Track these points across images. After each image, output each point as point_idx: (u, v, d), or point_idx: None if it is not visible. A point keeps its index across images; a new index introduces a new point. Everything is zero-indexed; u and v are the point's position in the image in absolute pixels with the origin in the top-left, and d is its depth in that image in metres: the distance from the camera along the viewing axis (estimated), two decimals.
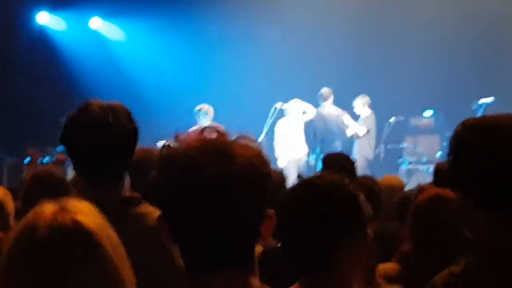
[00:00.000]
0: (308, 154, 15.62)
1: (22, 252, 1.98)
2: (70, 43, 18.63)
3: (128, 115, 3.30)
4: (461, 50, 17.00)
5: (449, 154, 2.63)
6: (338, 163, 6.24)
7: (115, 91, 15.37)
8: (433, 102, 17.20)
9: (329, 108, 15.35)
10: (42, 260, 1.96)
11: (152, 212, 3.18)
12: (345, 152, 8.14)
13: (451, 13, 17.05)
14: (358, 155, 15.32)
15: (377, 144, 16.22)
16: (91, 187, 3.27)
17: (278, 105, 15.56)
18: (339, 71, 16.99)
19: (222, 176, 1.93)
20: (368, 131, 15.70)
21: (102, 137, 3.20)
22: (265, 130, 15.35)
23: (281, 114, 15.67)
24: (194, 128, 14.63)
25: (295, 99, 15.53)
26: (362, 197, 2.79)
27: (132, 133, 3.30)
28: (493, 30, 16.95)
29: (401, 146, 16.96)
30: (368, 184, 5.61)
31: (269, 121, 15.51)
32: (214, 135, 2.04)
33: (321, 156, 14.59)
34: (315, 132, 15.16)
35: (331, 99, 15.50)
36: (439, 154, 16.63)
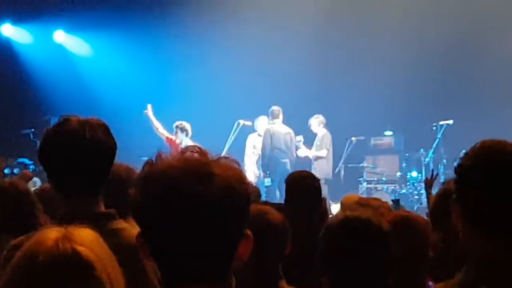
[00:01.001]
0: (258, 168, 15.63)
1: (21, 277, 2.02)
2: (34, 55, 18.49)
3: (106, 130, 3.29)
4: (422, 72, 17.20)
5: (458, 179, 2.67)
6: (302, 183, 6.14)
7: (77, 105, 15.40)
8: (393, 122, 17.43)
9: (278, 126, 15.29)
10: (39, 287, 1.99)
11: (127, 228, 3.21)
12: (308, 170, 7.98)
13: (413, 37, 17.24)
14: (317, 175, 15.24)
15: (337, 163, 16.28)
16: (66, 200, 3.27)
17: (241, 121, 15.60)
18: (302, 89, 17.12)
19: (202, 196, 1.94)
20: (327, 151, 15.67)
21: (78, 152, 3.19)
22: (227, 146, 15.38)
23: (243, 130, 15.68)
24: (172, 137, 14.45)
25: (263, 116, 15.56)
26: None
27: (109, 149, 3.29)
28: (453, 54, 17.15)
29: (361, 165, 17.14)
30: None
31: (232, 137, 15.52)
32: (195, 155, 2.05)
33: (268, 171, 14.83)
34: (264, 148, 15.13)
35: (281, 117, 15.40)
36: (398, 174, 16.85)
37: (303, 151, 15.66)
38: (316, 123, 15.72)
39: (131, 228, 3.15)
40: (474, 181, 2.56)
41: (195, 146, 2.10)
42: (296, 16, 17.72)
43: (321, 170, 14.74)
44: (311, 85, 17.43)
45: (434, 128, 15.73)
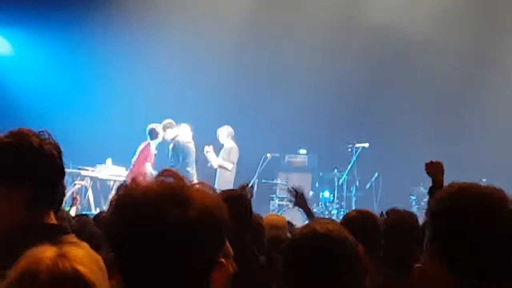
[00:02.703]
0: None
1: None
2: None
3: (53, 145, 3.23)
4: (340, 94, 17.39)
5: (435, 215, 2.63)
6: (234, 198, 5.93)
7: None
8: (309, 141, 17.54)
9: (183, 136, 15.25)
10: None
11: (77, 243, 3.16)
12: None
13: (331, 58, 17.39)
14: (223, 185, 15.32)
15: (250, 178, 16.29)
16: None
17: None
18: (221, 101, 17.11)
19: (179, 220, 1.94)
20: (233, 165, 15.70)
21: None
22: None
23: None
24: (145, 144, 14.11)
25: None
26: None
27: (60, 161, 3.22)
28: (370, 77, 17.42)
29: (274, 181, 17.18)
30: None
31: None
32: (171, 179, 2.04)
33: None
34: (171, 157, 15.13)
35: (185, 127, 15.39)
36: (310, 193, 16.94)
37: (212, 156, 15.63)
38: (225, 134, 15.72)
39: (81, 243, 3.10)
40: (452, 225, 2.55)
41: (169, 170, 2.08)
42: (219, 28, 17.69)
43: (227, 182, 14.79)
44: (231, 98, 17.41)
45: (350, 149, 15.91)
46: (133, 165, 15.22)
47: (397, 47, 17.22)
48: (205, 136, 15.41)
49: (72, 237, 3.22)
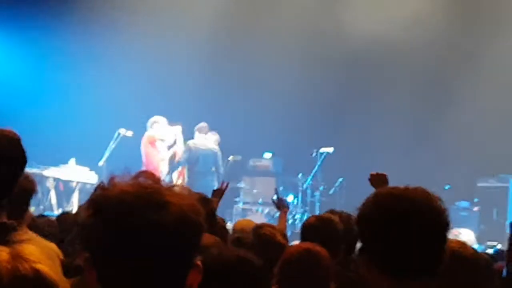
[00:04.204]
0: None
1: None
2: None
3: (12, 142, 3.20)
4: (306, 98, 17.46)
5: (360, 221, 2.74)
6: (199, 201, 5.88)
7: None
8: (274, 145, 17.56)
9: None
10: None
11: (33, 238, 3.14)
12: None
13: (299, 64, 17.46)
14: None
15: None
16: None
17: (122, 131, 15.40)
18: (187, 103, 17.06)
19: (156, 224, 1.92)
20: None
21: None
22: (106, 155, 15.17)
23: (124, 140, 15.45)
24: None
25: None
26: None
27: (13, 160, 3.20)
28: (335, 84, 17.51)
29: (238, 185, 17.16)
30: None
31: (112, 145, 15.31)
32: (148, 181, 2.02)
33: None
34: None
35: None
36: (275, 197, 16.94)
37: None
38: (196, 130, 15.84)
39: (36, 238, 3.07)
40: (379, 230, 2.66)
41: (147, 172, 2.09)
42: (189, 28, 17.63)
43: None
44: (198, 99, 17.39)
45: (314, 154, 15.95)
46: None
47: (364, 54, 17.28)
48: None
49: (21, 234, 3.21)
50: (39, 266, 2.00)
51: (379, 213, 2.65)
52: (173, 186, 2.05)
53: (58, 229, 5.91)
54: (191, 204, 2.02)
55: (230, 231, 6.71)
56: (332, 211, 6.20)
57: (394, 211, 2.62)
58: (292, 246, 4.83)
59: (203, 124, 15.78)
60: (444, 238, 2.67)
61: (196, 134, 15.74)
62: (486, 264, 3.63)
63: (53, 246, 3.75)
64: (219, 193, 7.34)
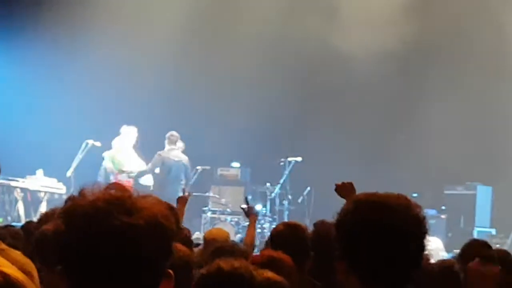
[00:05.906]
0: None
1: None
2: None
3: None
4: (273, 108, 17.47)
5: (339, 228, 2.74)
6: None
7: None
8: (242, 154, 17.57)
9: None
10: None
11: (5, 249, 3.12)
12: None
13: (266, 73, 17.45)
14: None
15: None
16: None
17: (90, 142, 15.33)
18: (153, 114, 17.04)
19: (127, 226, 1.93)
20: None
21: None
22: (74, 165, 15.09)
23: (92, 150, 15.38)
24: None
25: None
26: None
27: None
28: (304, 94, 17.57)
29: (206, 194, 17.13)
30: None
31: (79, 156, 15.23)
32: (119, 192, 2.03)
33: None
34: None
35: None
36: (244, 205, 16.93)
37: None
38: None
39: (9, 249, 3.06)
40: (360, 238, 2.67)
41: (117, 183, 2.10)
42: (155, 37, 17.56)
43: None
44: (165, 108, 17.35)
45: (282, 163, 15.99)
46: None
47: (330, 67, 17.31)
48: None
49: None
50: (6, 270, 1.97)
51: (359, 222, 2.67)
52: (145, 195, 2.06)
53: (23, 239, 5.88)
54: (162, 210, 2.03)
55: (201, 240, 6.73)
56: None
57: (374, 220, 2.64)
58: (256, 254, 4.85)
59: (173, 133, 15.75)
60: (423, 246, 2.70)
61: (167, 144, 15.71)
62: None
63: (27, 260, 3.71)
64: (183, 200, 7.43)
